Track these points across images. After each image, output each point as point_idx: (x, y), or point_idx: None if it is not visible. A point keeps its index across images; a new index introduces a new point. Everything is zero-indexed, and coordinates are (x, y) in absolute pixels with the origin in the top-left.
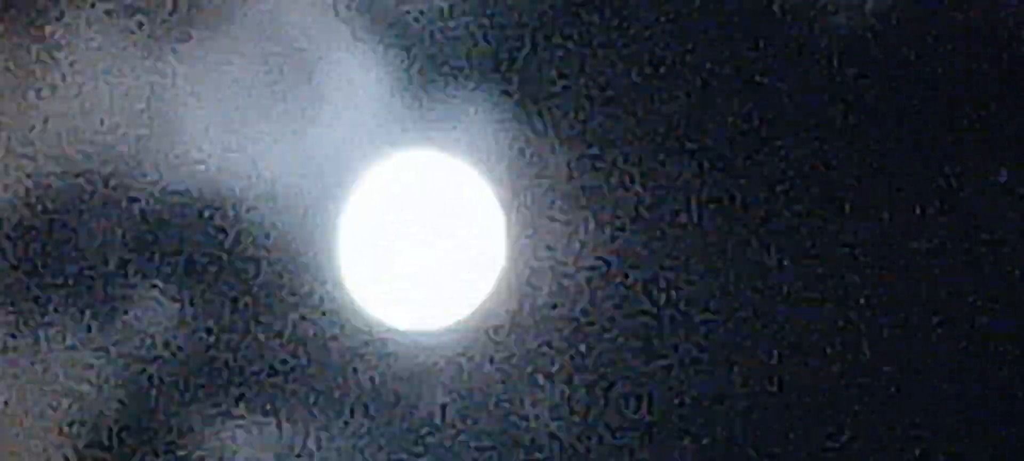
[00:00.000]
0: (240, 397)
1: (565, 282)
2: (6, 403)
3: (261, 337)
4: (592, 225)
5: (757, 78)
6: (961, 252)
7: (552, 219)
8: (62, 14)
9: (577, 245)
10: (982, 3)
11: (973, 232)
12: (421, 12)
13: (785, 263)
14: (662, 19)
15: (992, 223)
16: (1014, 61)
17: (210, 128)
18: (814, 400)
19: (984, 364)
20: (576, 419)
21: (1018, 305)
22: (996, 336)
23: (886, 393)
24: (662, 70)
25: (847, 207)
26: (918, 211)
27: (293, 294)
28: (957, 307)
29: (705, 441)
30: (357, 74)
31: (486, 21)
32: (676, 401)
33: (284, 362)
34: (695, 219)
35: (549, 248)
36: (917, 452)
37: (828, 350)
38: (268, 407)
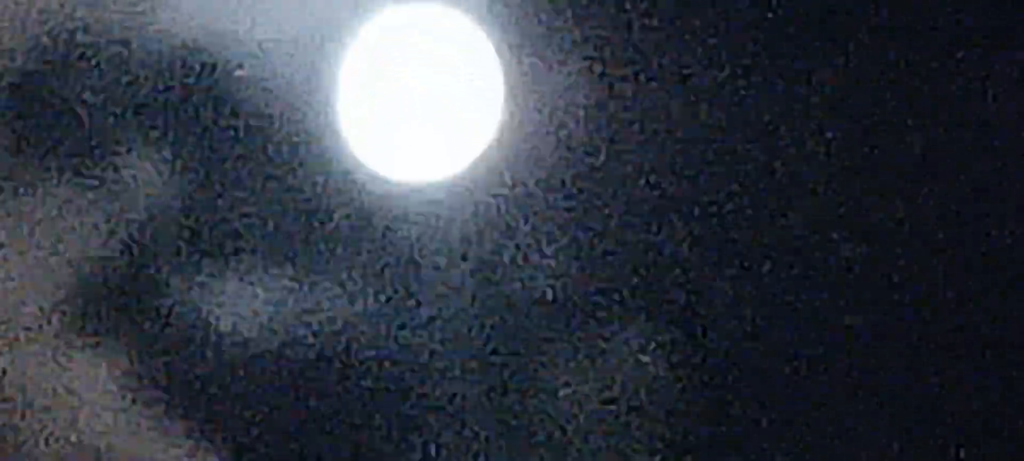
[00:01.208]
0: (236, 253)
1: (565, 133)
2: None
3: (257, 192)
4: (593, 74)
5: None
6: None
7: (551, 69)
8: None
9: (577, 95)
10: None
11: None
12: None
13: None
14: None
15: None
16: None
17: None
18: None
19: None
20: (573, 274)
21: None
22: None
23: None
24: None
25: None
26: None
27: (289, 148)
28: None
29: (707, 297)
30: None
31: None
32: (673, 258)
33: (281, 217)
34: (698, 68)
35: (549, 99)
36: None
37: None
38: (266, 262)
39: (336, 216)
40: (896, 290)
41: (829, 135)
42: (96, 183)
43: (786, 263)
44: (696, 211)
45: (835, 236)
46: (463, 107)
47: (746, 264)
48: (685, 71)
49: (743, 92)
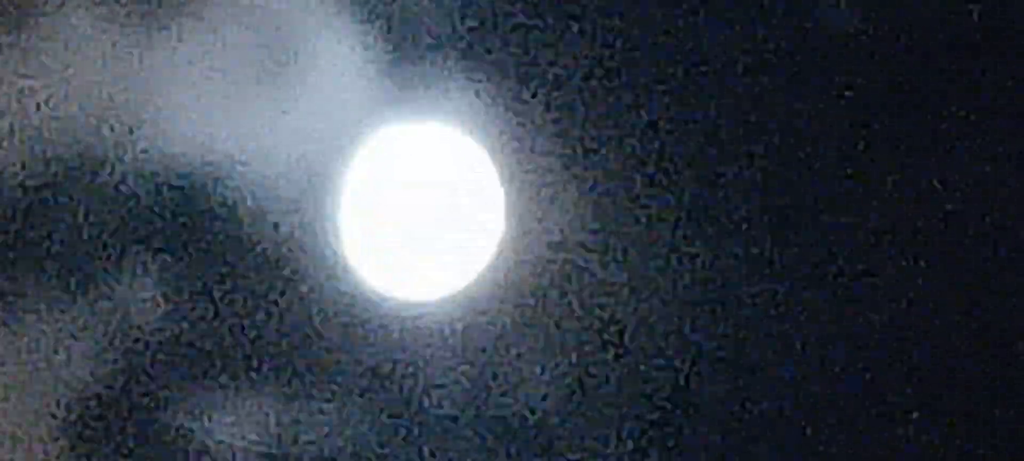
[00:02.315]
0: (234, 376)
1: (563, 252)
2: None
3: (255, 315)
4: (590, 195)
5: (759, 56)
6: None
7: (550, 189)
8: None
9: (575, 215)
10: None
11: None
12: None
13: (785, 235)
14: None
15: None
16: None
17: (198, 109)
18: (824, 387)
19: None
20: (573, 391)
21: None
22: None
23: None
24: (661, 39)
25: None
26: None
27: (287, 270)
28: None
29: (703, 414)
30: (346, 51)
31: None
32: (674, 373)
33: (281, 338)
34: (696, 191)
35: (547, 218)
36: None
37: (842, 343)
38: (264, 385)
39: (335, 337)
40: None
41: (827, 269)
42: (92, 306)
43: (790, 392)
44: (695, 333)
45: (838, 369)
46: (463, 226)
47: (745, 387)
48: (686, 193)
49: (744, 218)
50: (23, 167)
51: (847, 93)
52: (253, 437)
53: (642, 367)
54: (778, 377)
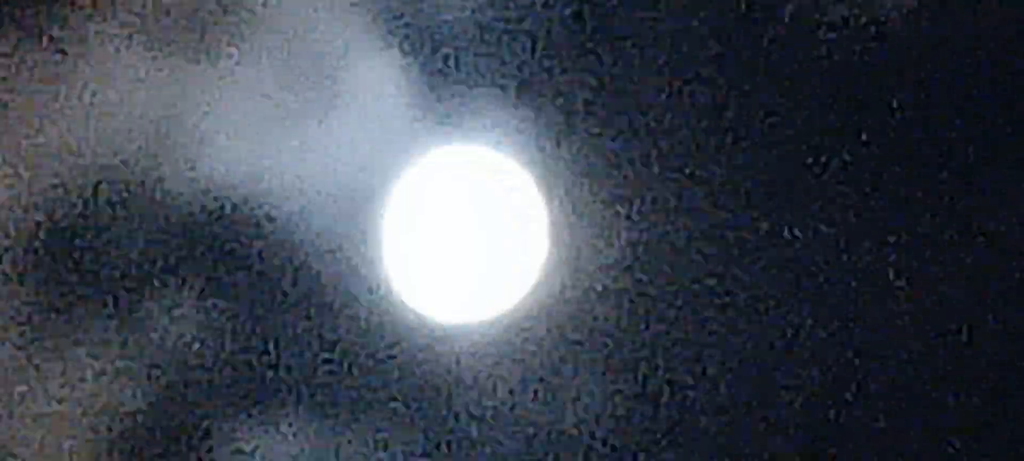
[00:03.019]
0: (276, 401)
1: (607, 273)
2: (34, 408)
3: (298, 340)
4: (633, 215)
5: (787, 69)
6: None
7: (593, 210)
8: (87, 24)
9: (618, 235)
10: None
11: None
12: (451, 12)
13: (820, 254)
14: (694, 6)
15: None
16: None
17: (241, 135)
18: (861, 398)
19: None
20: (617, 411)
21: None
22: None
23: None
24: (697, 55)
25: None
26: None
27: (334, 294)
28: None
29: (742, 433)
30: (388, 76)
31: (515, 15)
32: (715, 392)
33: (328, 362)
34: (733, 206)
35: (591, 239)
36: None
37: (871, 345)
38: (306, 409)
39: (380, 361)
40: None
41: (848, 282)
42: (133, 332)
43: (816, 399)
44: (733, 348)
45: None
46: (507, 248)
47: (789, 403)
48: (723, 214)
49: (776, 232)
50: (67, 193)
51: (902, 111)
52: None
53: (686, 386)
54: (820, 388)
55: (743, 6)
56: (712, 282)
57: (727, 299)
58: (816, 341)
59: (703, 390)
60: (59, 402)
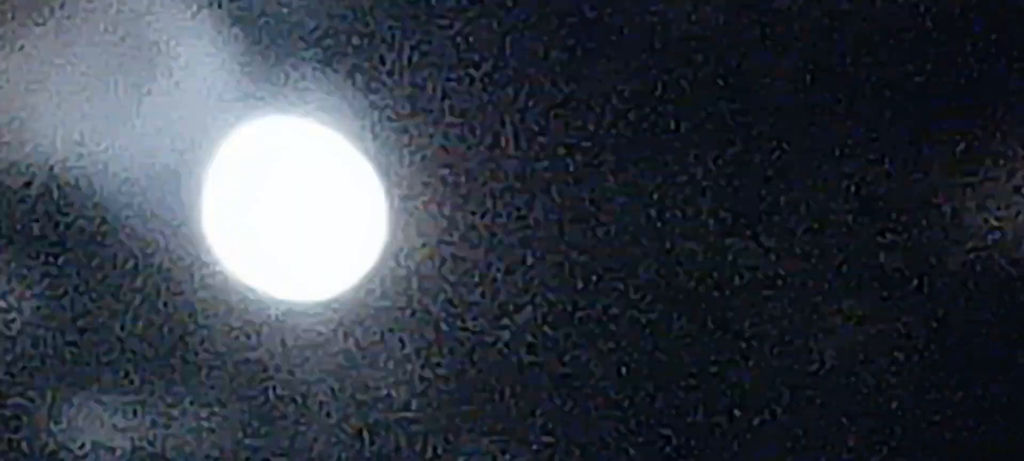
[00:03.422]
0: (104, 377)
1: (445, 256)
2: None
3: (131, 316)
4: (470, 198)
5: (637, 34)
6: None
7: (430, 192)
8: None
9: (456, 218)
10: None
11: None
12: None
13: (676, 205)
14: None
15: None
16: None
17: (63, 109)
18: (729, 375)
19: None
20: (449, 394)
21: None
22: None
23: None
24: (537, 26)
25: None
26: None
27: (158, 269)
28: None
29: (585, 414)
30: (210, 52)
31: None
32: (551, 372)
33: (155, 339)
34: (575, 190)
35: (428, 220)
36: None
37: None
38: (140, 385)
39: (204, 336)
40: None
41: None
42: None
43: (658, 389)
44: (571, 332)
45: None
46: (345, 229)
47: (619, 384)
48: (564, 197)
49: (622, 218)
50: None
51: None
52: (123, 441)
53: (522, 367)
54: (661, 387)
55: None
56: (547, 260)
57: (565, 273)
58: (666, 326)
59: (542, 368)
60: None
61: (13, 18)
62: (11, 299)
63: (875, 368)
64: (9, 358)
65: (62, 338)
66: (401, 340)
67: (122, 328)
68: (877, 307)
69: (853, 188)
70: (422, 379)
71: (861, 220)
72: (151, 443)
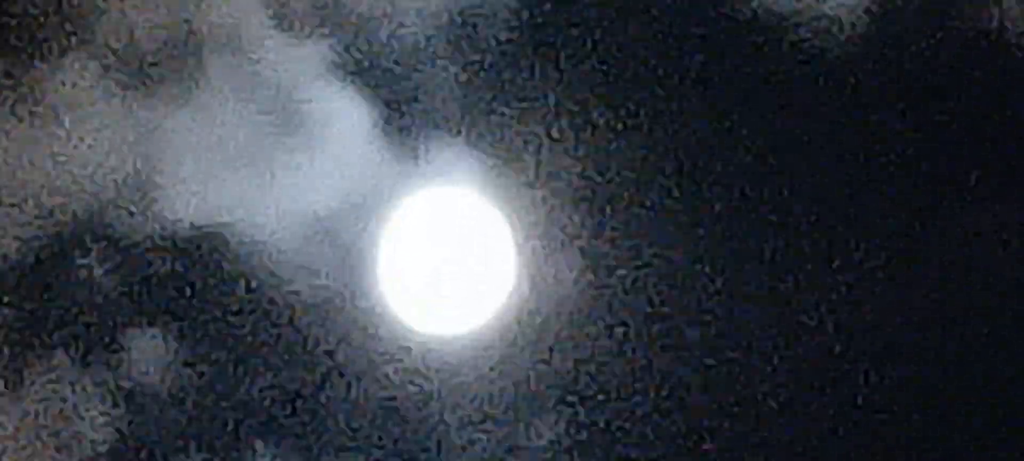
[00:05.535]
0: (256, 438)
1: (569, 297)
2: (4, 436)
3: (287, 372)
4: (593, 242)
5: (752, 89)
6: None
7: (556, 238)
8: (55, 67)
9: (580, 262)
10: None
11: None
12: (413, 56)
13: (788, 271)
14: (654, 31)
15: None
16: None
17: (210, 175)
18: (825, 409)
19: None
20: (577, 426)
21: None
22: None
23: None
24: (654, 86)
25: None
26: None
27: (328, 317)
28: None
29: (708, 451)
30: (351, 120)
31: (474, 56)
32: (679, 411)
33: (304, 391)
34: (696, 232)
35: (554, 266)
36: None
37: (840, 353)
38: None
39: (370, 370)
40: None
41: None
42: (99, 371)
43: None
44: (703, 366)
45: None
46: (477, 275)
47: (757, 439)
48: (685, 234)
49: (745, 270)
50: (33, 232)
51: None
52: None
53: (647, 404)
54: (793, 418)
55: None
56: (675, 302)
57: (691, 320)
58: (786, 354)
59: (668, 406)
60: (30, 442)
61: (163, 86)
62: (156, 361)
63: None
64: (158, 418)
65: (209, 398)
66: (529, 370)
67: (271, 383)
68: None
69: None
70: (549, 411)
71: None
72: None
